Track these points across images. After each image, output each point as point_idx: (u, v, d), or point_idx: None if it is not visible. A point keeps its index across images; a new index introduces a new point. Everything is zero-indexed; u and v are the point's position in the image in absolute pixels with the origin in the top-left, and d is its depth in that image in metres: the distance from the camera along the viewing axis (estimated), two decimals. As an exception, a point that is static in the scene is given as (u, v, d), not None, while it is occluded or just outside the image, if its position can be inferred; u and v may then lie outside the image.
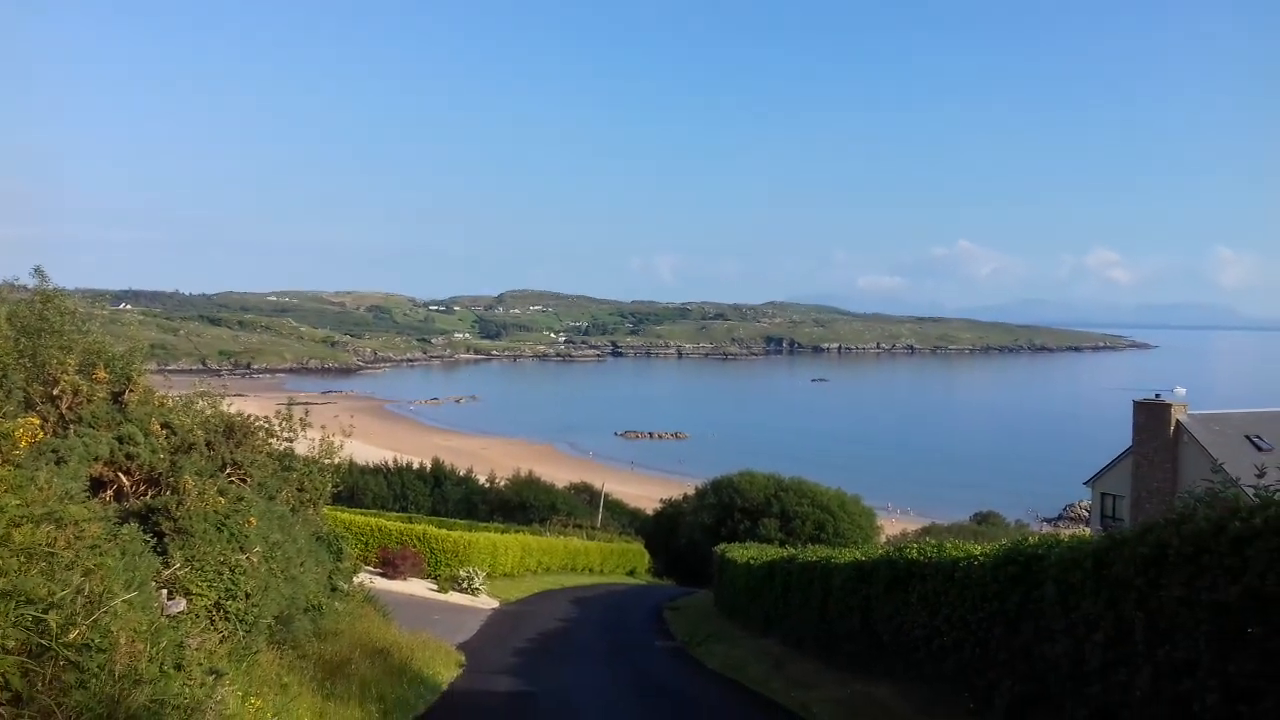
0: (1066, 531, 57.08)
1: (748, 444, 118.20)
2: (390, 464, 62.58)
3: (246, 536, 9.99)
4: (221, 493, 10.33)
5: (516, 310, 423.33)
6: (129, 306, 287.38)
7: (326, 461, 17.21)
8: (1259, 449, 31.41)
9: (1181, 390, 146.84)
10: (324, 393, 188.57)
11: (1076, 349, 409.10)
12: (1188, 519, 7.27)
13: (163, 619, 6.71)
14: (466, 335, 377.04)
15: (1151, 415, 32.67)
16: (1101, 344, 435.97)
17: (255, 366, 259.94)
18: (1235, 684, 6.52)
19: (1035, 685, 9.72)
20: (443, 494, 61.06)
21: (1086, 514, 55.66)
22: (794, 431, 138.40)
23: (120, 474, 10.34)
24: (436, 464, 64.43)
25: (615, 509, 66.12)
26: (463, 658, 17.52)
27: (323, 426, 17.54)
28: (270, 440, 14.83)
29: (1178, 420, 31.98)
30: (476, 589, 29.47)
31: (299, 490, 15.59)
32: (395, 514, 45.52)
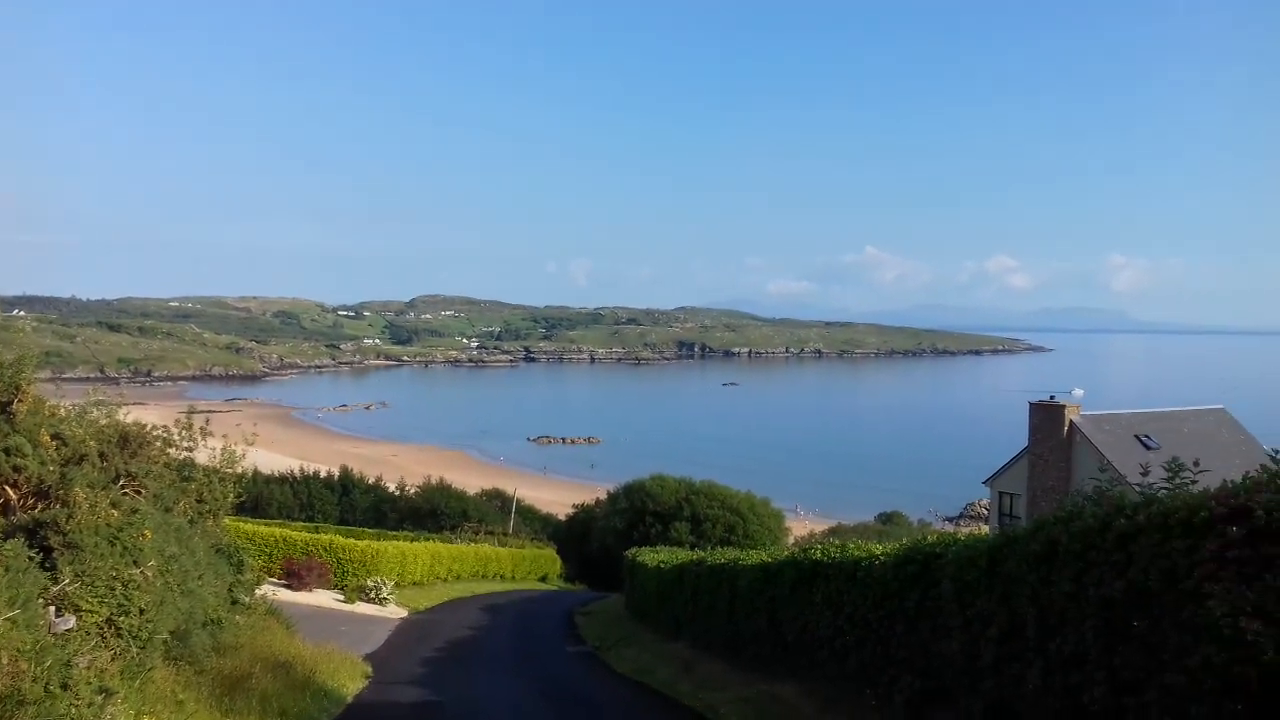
0: (966, 530, 58.67)
1: (660, 448, 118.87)
2: (296, 473, 61.25)
3: (141, 550, 9.68)
4: (115, 505, 9.99)
5: (428, 315, 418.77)
6: (22, 313, 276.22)
7: (228, 471, 16.76)
8: (1147, 448, 32.69)
9: (1079, 392, 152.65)
10: (228, 400, 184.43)
11: (977, 352, 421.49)
12: (1076, 517, 7.54)
13: (49, 637, 6.48)
14: (377, 341, 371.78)
15: (1046, 416, 33.74)
16: (1000, 347, 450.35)
17: (156, 374, 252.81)
18: (1121, 676, 6.78)
19: (934, 681, 9.96)
20: (351, 503, 60.11)
21: (986, 512, 57.22)
22: (706, 435, 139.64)
23: (7, 487, 9.92)
24: (345, 472, 63.45)
25: (527, 515, 65.78)
26: (369, 669, 17.22)
27: (224, 435, 17.07)
28: (168, 450, 14.38)
29: (1071, 421, 33.09)
30: (385, 599, 29.01)
31: (198, 501, 15.15)
32: (301, 524, 44.56)
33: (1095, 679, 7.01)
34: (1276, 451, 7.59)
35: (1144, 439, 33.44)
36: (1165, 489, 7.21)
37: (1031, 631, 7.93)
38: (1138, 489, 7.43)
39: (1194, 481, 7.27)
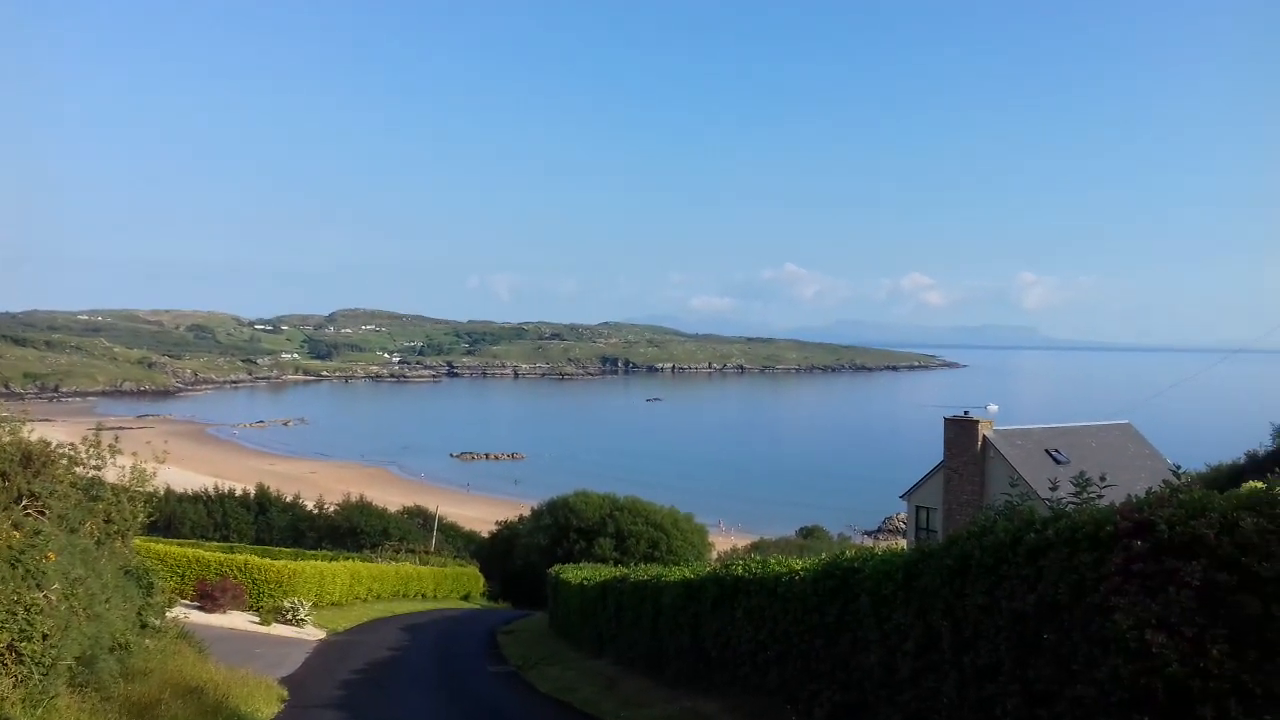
0: (884, 544, 59.58)
1: (584, 464, 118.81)
2: (211, 491, 60.03)
3: (44, 573, 9.34)
4: (16, 526, 9.63)
5: (348, 330, 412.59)
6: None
7: (138, 490, 16.24)
8: (1057, 462, 33.62)
9: (995, 407, 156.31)
10: (139, 416, 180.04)
11: (894, 368, 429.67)
12: (988, 531, 7.72)
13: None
14: (295, 356, 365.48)
15: (961, 431, 34.49)
16: (917, 363, 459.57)
17: (64, 389, 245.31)
18: (1033, 688, 6.95)
19: (853, 694, 10.09)
20: (268, 521, 59.10)
21: (904, 526, 58.18)
22: (630, 451, 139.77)
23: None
24: (261, 490, 62.32)
25: (450, 532, 65.20)
26: (285, 692, 16.82)
27: (135, 453, 16.56)
28: (75, 469, 13.90)
29: (985, 436, 33.87)
30: (302, 620, 28.42)
31: (106, 521, 14.65)
32: (216, 544, 43.69)
33: (1009, 691, 7.17)
34: (1178, 466, 7.85)
35: (1054, 453, 34.38)
36: (1073, 503, 7.43)
37: (947, 644, 8.08)
38: (1047, 503, 7.64)
39: (1100, 496, 7.51)
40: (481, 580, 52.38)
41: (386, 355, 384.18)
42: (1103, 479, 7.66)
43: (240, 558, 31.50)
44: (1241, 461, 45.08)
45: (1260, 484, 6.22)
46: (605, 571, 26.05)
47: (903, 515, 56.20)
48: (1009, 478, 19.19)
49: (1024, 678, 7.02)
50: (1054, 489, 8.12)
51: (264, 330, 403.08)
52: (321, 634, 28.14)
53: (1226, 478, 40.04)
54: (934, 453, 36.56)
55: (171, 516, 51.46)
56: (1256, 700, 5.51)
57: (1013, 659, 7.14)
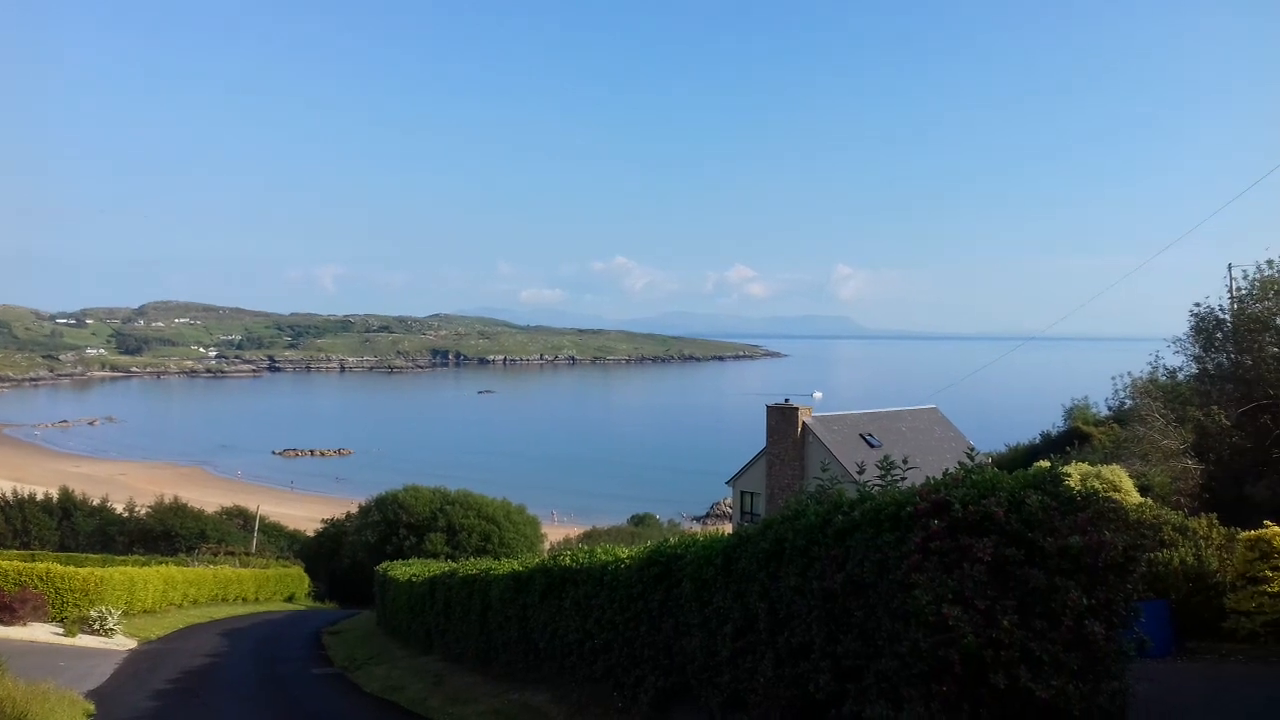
0: (711, 529, 60.89)
1: (415, 459, 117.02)
2: (9, 496, 57.38)
3: None
4: None
5: (160, 323, 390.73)
6: None
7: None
8: (871, 446, 35.20)
9: (819, 394, 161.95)
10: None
11: (720, 358, 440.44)
12: (801, 515, 7.99)
13: None
14: (102, 351, 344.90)
15: (782, 418, 35.65)
16: (741, 353, 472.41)
17: None
18: (843, 664, 7.24)
19: (676, 678, 10.29)
20: (73, 526, 57.25)
21: (730, 511, 59.74)
22: (462, 444, 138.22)
23: None
24: (65, 494, 59.97)
25: (273, 532, 63.26)
26: (92, 706, 15.97)
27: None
28: None
29: (804, 422, 35.13)
30: (111, 629, 27.02)
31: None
32: (15, 551, 41.82)
33: (820, 668, 7.45)
34: (973, 447, 8.30)
35: (867, 437, 35.97)
36: (879, 485, 7.77)
37: (763, 625, 8.33)
38: (856, 486, 7.96)
39: (904, 478, 7.89)
40: (307, 581, 50.90)
41: (202, 350, 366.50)
42: (905, 461, 8.05)
43: (41, 566, 29.55)
44: (1037, 441, 48.41)
45: (1046, 463, 6.66)
46: (435, 567, 25.75)
47: (729, 501, 57.66)
48: (821, 462, 19.91)
49: (834, 654, 7.30)
50: (861, 472, 8.48)
51: (67, 324, 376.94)
52: (133, 643, 26.93)
53: (1023, 457, 42.89)
54: (759, 439, 37.61)
55: (-38, 526, 48.06)
56: (1044, 667, 5.90)
57: (824, 636, 7.41)
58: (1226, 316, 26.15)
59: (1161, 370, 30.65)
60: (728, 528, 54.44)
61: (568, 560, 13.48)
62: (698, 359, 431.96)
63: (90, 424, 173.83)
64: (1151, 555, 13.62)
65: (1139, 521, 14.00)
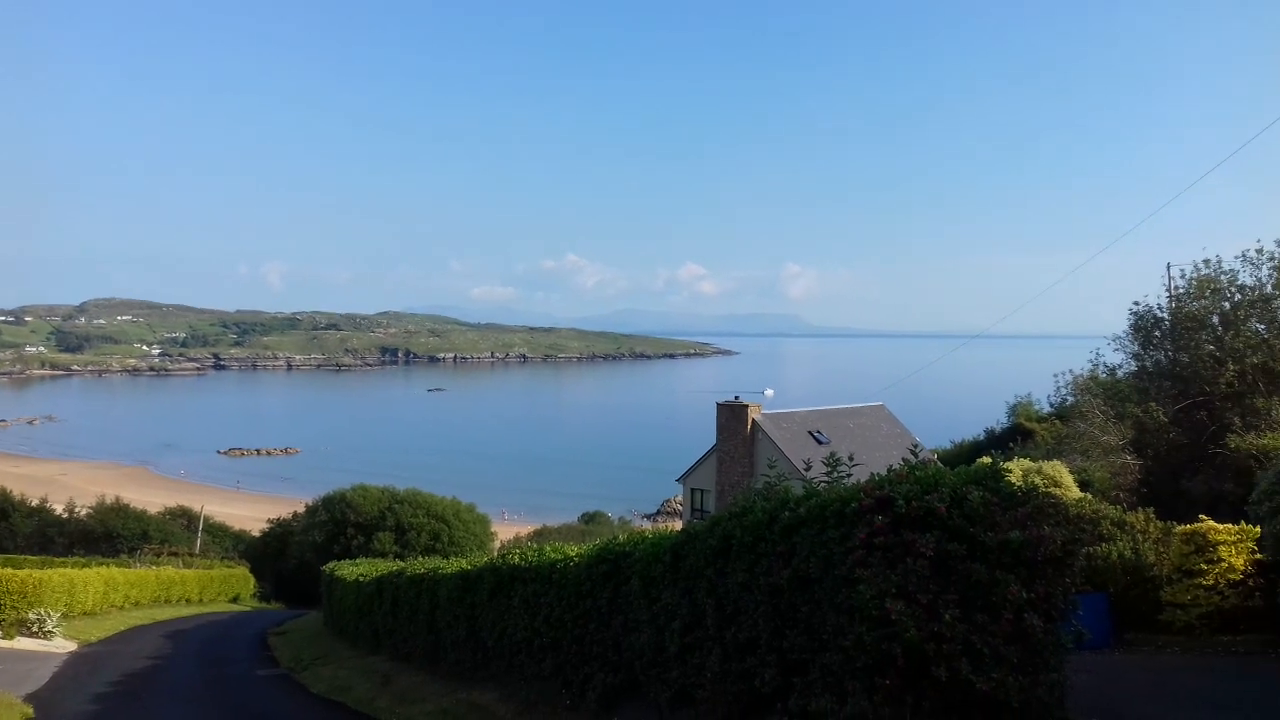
0: (661, 526, 61.03)
1: (363, 457, 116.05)
2: (-57, 498, 55.25)
3: None
4: None
5: (102, 321, 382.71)
6: None
7: None
8: (819, 442, 35.47)
9: (770, 391, 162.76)
10: None
11: (671, 356, 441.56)
12: (748, 511, 8.04)
13: None
14: (41, 349, 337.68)
15: (732, 415, 35.80)
16: (692, 351, 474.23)
17: None
18: (789, 658, 7.30)
19: (625, 675, 10.30)
20: (10, 528, 56.26)
21: (681, 509, 59.89)
22: (411, 443, 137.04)
23: None
24: (3, 494, 59.11)
25: (218, 532, 62.45)
26: (30, 710, 15.67)
27: None
28: None
29: (754, 419, 35.30)
30: (50, 632, 26.56)
31: None
32: (-50, 554, 40.10)
33: (767, 662, 7.51)
34: (917, 444, 8.40)
35: (816, 434, 36.24)
36: (825, 482, 7.85)
37: (711, 621, 8.37)
38: (803, 484, 8.03)
39: (849, 475, 7.97)
40: (252, 581, 50.28)
41: (145, 348, 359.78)
42: (851, 458, 8.14)
43: (-24, 568, 28.87)
44: (981, 438, 49.22)
45: (989, 460, 6.78)
46: (382, 566, 25.57)
47: (680, 498, 57.79)
48: (769, 459, 20.07)
49: (780, 648, 7.36)
50: (808, 469, 8.54)
51: (5, 322, 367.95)
52: (73, 646, 26.44)
53: (968, 453, 43.61)
54: (710, 437, 37.72)
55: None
56: (985, 659, 6.00)
57: (770, 631, 7.47)
58: (1165, 315, 26.78)
59: (1102, 368, 31.32)
60: (678, 525, 54.54)
61: (516, 559, 13.44)
62: (649, 357, 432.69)
63: (30, 423, 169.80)
64: (1090, 549, 13.89)
65: (1078, 516, 14.29)
